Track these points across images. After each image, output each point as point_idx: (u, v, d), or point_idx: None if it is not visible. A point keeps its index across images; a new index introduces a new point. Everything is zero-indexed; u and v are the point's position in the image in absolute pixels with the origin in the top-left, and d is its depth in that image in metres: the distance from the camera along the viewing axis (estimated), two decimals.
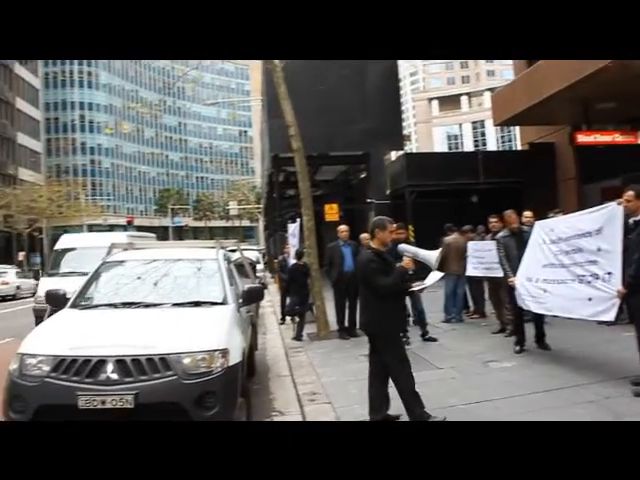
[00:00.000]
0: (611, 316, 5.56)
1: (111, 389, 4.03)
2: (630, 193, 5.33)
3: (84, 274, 9.84)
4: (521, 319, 7.26)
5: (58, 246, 14.12)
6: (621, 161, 13.37)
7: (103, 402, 3.97)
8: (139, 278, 5.88)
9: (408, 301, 8.47)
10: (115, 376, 4.08)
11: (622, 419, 4.54)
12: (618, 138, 14.32)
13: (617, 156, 14.18)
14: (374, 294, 4.67)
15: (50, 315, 10.01)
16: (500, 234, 7.64)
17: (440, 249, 4.93)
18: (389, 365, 4.71)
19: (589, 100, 14.20)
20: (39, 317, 11.01)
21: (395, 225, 8.83)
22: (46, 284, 12.04)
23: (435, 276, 4.93)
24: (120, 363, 4.11)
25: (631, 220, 5.38)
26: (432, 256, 4.76)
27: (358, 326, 5.21)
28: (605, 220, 5.63)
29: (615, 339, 7.21)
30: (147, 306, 5.30)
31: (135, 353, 4.18)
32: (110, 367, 4.10)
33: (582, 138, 14.35)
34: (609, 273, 5.50)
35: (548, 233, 6.63)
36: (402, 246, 4.99)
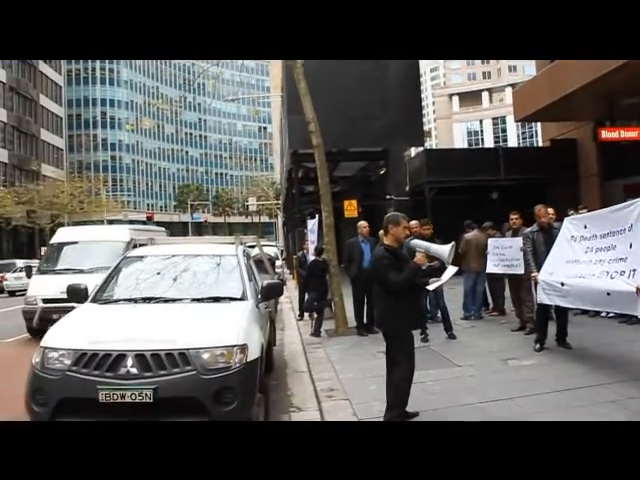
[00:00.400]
0: (637, 311, 5.46)
1: (130, 383, 4.06)
2: None
3: (80, 271, 9.84)
4: (546, 317, 7.17)
5: (54, 240, 12.87)
6: None
7: (123, 396, 4.01)
8: (159, 273, 5.92)
9: (428, 298, 8.52)
10: (135, 370, 4.11)
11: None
12: None
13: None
14: (386, 291, 4.63)
15: (40, 317, 10.15)
16: (529, 229, 7.57)
17: (452, 243, 4.83)
18: (395, 361, 4.69)
19: (612, 95, 14.00)
20: (29, 319, 10.77)
21: (418, 221, 8.91)
22: (36, 283, 11.55)
23: (450, 271, 4.88)
24: (140, 358, 4.15)
25: None
26: (444, 250, 4.68)
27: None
28: (635, 217, 5.54)
29: (638, 339, 7.12)
30: (166, 301, 5.33)
31: (154, 348, 4.21)
32: (130, 361, 4.13)
33: (606, 134, 14.16)
34: (634, 270, 5.42)
35: (580, 230, 6.55)
36: (414, 242, 4.93)
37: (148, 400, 4.01)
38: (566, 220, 6.97)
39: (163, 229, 17.58)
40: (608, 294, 5.70)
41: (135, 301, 5.37)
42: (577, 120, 17.69)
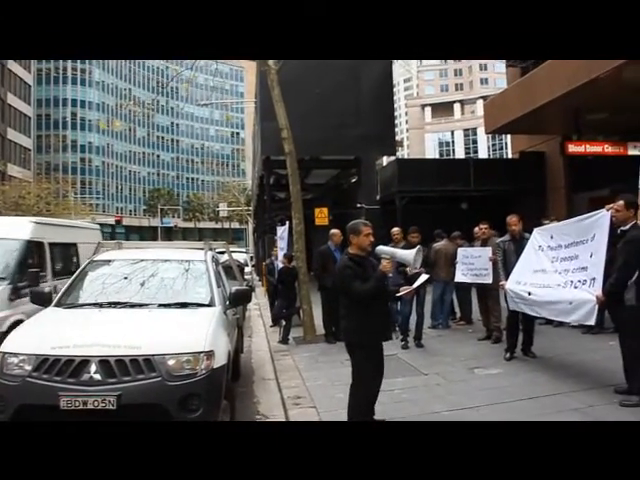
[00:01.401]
0: (592, 320, 5.58)
1: (93, 390, 4.00)
2: (620, 203, 5.37)
3: None
4: (517, 326, 7.25)
5: None
6: (609, 172, 13.45)
7: (85, 403, 3.94)
8: (126, 278, 5.84)
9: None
10: (98, 377, 4.05)
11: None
12: (608, 149, 14.39)
13: (606, 167, 14.28)
14: (352, 301, 4.46)
15: None
16: (501, 239, 7.67)
17: (418, 247, 4.81)
18: (357, 375, 4.55)
19: (580, 111, 14.30)
20: None
21: (399, 230, 8.91)
22: None
23: (422, 278, 4.89)
24: (104, 363, 4.09)
25: (619, 230, 5.43)
26: (409, 255, 4.59)
27: None
28: (597, 226, 5.67)
29: (600, 348, 7.25)
30: (133, 306, 5.26)
31: (119, 354, 4.15)
32: (93, 367, 4.07)
33: (573, 148, 14.42)
34: (593, 279, 5.55)
35: (547, 240, 6.67)
36: (379, 248, 4.74)
37: (111, 407, 3.95)
38: (535, 230, 7.09)
39: (97, 226, 14.03)
40: (570, 303, 5.82)
41: (100, 306, 5.30)
42: (546, 133, 18.02)
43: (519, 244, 7.22)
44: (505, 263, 7.30)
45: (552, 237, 6.60)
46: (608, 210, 5.50)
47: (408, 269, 6.65)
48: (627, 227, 5.36)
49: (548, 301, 6.24)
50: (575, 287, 5.81)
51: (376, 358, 4.58)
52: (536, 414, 4.97)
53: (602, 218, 5.60)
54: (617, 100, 11.47)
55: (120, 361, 4.11)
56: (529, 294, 6.49)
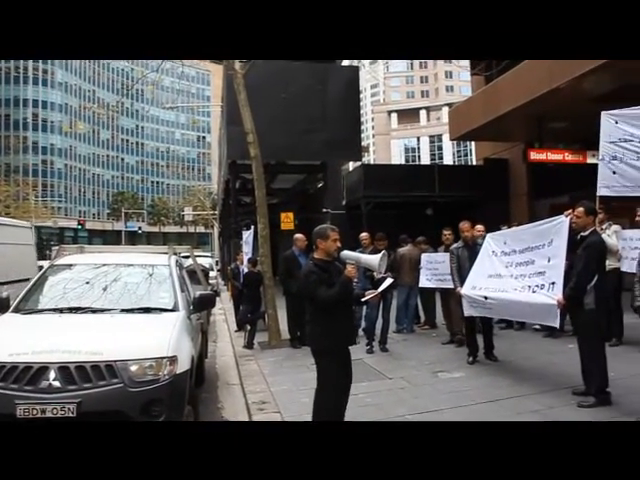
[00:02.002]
0: (556, 323, 5.71)
1: (52, 397, 3.90)
2: (580, 209, 5.49)
3: None
4: (474, 331, 7.38)
5: None
6: (570, 179, 13.79)
7: (43, 411, 3.85)
8: (87, 283, 5.74)
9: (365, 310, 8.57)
10: (57, 384, 3.95)
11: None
12: (568, 157, 14.75)
13: (566, 174, 14.64)
14: (317, 307, 4.41)
15: None
16: (454, 245, 7.78)
17: (383, 252, 4.83)
18: (321, 382, 4.49)
19: (542, 119, 14.64)
20: None
21: (367, 235, 8.97)
22: None
23: (386, 282, 4.92)
24: (63, 370, 4.00)
25: (579, 235, 5.56)
26: (374, 260, 4.59)
27: None
28: (555, 232, 5.80)
29: (559, 351, 7.42)
30: (94, 312, 5.18)
31: (80, 360, 4.07)
32: (52, 374, 3.97)
33: (534, 155, 14.73)
34: (553, 283, 5.66)
35: (500, 245, 6.78)
36: (344, 253, 4.68)
37: (71, 415, 3.87)
38: (488, 236, 7.20)
39: (28, 224, 13.12)
40: (530, 307, 5.94)
41: (61, 311, 5.19)
42: (509, 141, 18.37)
43: (472, 250, 7.34)
44: (459, 269, 7.42)
45: (506, 242, 6.71)
46: (567, 216, 5.63)
47: (375, 274, 6.70)
48: (587, 233, 5.49)
49: (506, 304, 6.34)
50: (533, 292, 5.91)
51: (342, 363, 4.54)
52: (497, 416, 5.05)
53: (561, 224, 5.72)
54: (577, 109, 11.75)
55: (81, 367, 4.03)
56: (485, 298, 6.58)
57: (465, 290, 7.00)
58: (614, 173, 6.37)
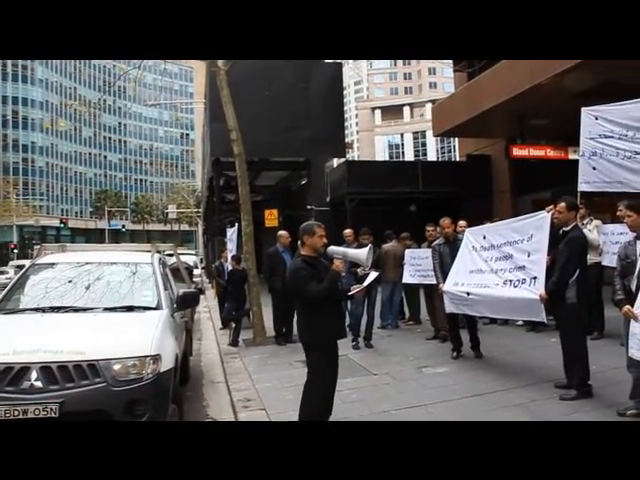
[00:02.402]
0: (541, 317, 5.76)
1: (34, 398, 3.86)
2: (562, 205, 5.54)
3: None
4: (457, 327, 7.43)
5: None
6: (552, 175, 13.90)
7: (25, 412, 3.81)
8: (70, 281, 5.69)
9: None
10: (39, 384, 3.92)
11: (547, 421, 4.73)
12: (550, 153, 14.87)
13: (548, 170, 14.76)
14: (307, 303, 4.48)
15: None
16: (436, 242, 7.82)
17: (369, 246, 4.88)
18: (311, 375, 4.55)
19: (524, 116, 14.73)
20: None
21: (351, 231, 9.02)
22: None
23: (371, 277, 4.95)
24: (45, 370, 3.96)
25: (561, 230, 5.62)
26: (362, 254, 4.66)
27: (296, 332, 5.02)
28: (536, 227, 5.85)
29: (542, 345, 7.49)
30: (77, 310, 5.13)
31: (62, 359, 4.03)
32: (34, 374, 3.93)
33: (516, 151, 14.83)
34: (534, 278, 5.71)
35: (479, 240, 6.82)
36: (331, 248, 4.77)
37: (53, 415, 3.83)
38: (467, 231, 7.25)
39: None
40: (511, 301, 5.98)
41: (43, 310, 5.14)
42: (491, 137, 18.46)
43: (453, 246, 7.40)
44: (442, 265, 7.47)
45: (485, 237, 6.76)
46: (549, 212, 5.69)
47: (359, 269, 6.73)
48: (568, 228, 5.54)
49: (488, 300, 6.38)
50: (515, 286, 5.96)
51: (332, 357, 4.60)
52: (480, 410, 5.11)
53: (542, 219, 5.77)
54: (558, 106, 11.83)
55: (63, 367, 3.99)
56: (468, 294, 6.62)
57: (447, 287, 7.04)
58: (594, 169, 6.45)
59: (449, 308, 7.07)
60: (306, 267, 4.49)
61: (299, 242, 4.79)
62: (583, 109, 6.60)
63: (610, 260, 7.16)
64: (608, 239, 7.64)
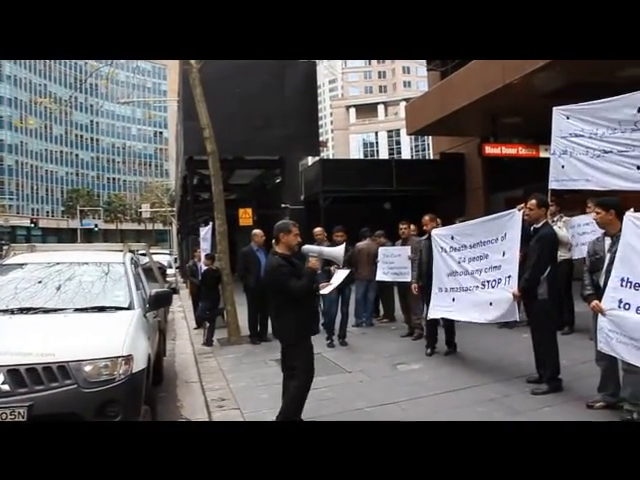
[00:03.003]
0: (515, 317, 5.83)
1: (1, 402, 3.77)
2: (533, 202, 5.63)
3: None
4: (435, 325, 7.47)
5: None
6: (524, 173, 14.08)
7: None
8: (40, 282, 5.57)
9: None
10: (6, 387, 3.82)
11: (519, 415, 4.81)
12: (522, 151, 15.08)
13: (521, 168, 14.95)
14: (289, 299, 4.53)
15: None
16: (418, 239, 7.91)
17: (343, 245, 4.96)
18: (299, 370, 4.61)
19: (496, 114, 14.89)
20: None
21: (321, 230, 9.03)
22: None
23: (342, 275, 4.99)
24: (13, 373, 3.86)
25: (532, 228, 5.70)
26: (337, 252, 4.79)
27: (271, 331, 5.05)
28: (508, 225, 5.91)
29: (514, 341, 7.58)
30: (47, 312, 5.03)
31: (30, 362, 3.94)
32: (1, 378, 3.84)
33: (489, 150, 15.00)
34: (509, 276, 5.78)
35: (448, 241, 6.84)
36: (306, 247, 4.93)
37: (21, 419, 3.75)
38: (432, 233, 7.27)
39: None
40: (490, 304, 6.03)
41: (12, 312, 5.02)
42: (464, 136, 18.62)
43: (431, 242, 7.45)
44: (420, 264, 7.55)
45: (453, 238, 6.78)
46: (520, 210, 5.76)
47: (332, 268, 6.74)
48: (539, 225, 5.63)
49: (470, 304, 6.40)
50: (492, 287, 6.03)
51: (310, 353, 4.71)
52: (455, 406, 5.17)
53: (514, 217, 5.84)
54: (530, 105, 11.98)
55: (32, 369, 3.90)
56: (453, 300, 6.65)
57: (434, 292, 7.02)
58: (563, 167, 6.54)
59: (432, 314, 7.06)
60: (286, 264, 4.58)
61: (274, 240, 4.80)
62: (555, 108, 6.69)
63: (580, 252, 7.31)
64: (575, 231, 7.83)
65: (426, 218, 7.63)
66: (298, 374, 4.61)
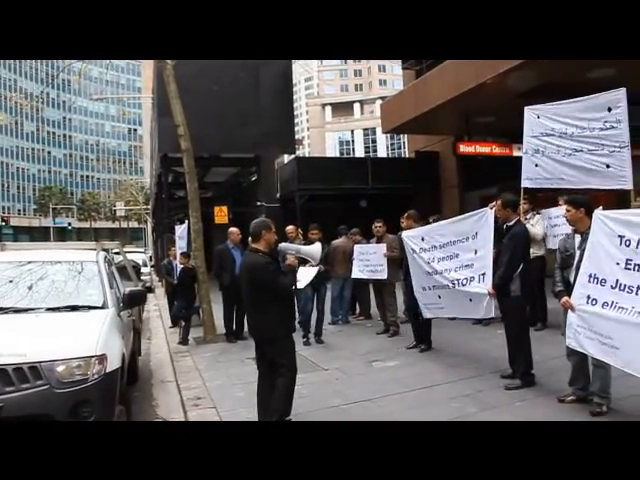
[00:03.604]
0: (492, 313, 5.92)
1: None
2: (498, 202, 5.74)
3: None
4: (417, 321, 7.49)
5: None
6: (498, 172, 14.24)
7: None
8: (11, 281, 5.49)
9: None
10: None
11: (492, 410, 4.89)
12: (495, 150, 15.25)
13: (495, 167, 15.12)
14: (274, 297, 4.54)
15: None
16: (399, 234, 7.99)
17: (319, 243, 5.01)
18: (286, 367, 4.61)
19: (470, 113, 15.02)
20: None
21: (293, 227, 9.06)
22: None
23: (309, 272, 5.02)
24: None
25: (505, 225, 5.78)
26: (314, 251, 4.85)
27: (247, 330, 5.02)
28: (480, 224, 5.98)
29: (489, 337, 7.68)
30: (18, 311, 4.96)
31: (1, 363, 3.89)
32: None
33: (463, 148, 15.14)
34: (483, 274, 5.86)
35: (418, 242, 6.89)
36: (283, 244, 4.98)
37: None
38: (402, 236, 7.31)
39: None
40: (470, 300, 6.11)
41: None
42: (439, 134, 18.74)
43: None
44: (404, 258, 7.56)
45: (423, 239, 6.82)
46: (492, 208, 5.84)
47: (307, 266, 6.76)
48: (512, 223, 5.72)
49: (453, 300, 6.48)
50: (463, 285, 6.11)
51: (292, 350, 4.74)
52: (430, 402, 5.24)
53: (485, 216, 5.92)
54: (503, 104, 12.09)
55: (2, 370, 3.85)
56: (439, 297, 6.69)
57: (417, 293, 7.04)
58: (536, 166, 6.65)
59: (426, 315, 7.08)
60: (273, 262, 4.62)
61: (252, 237, 4.80)
62: (526, 108, 6.79)
63: (553, 243, 7.44)
64: (548, 223, 7.96)
65: (406, 214, 7.66)
66: (285, 372, 4.61)
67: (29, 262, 5.87)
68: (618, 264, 4.08)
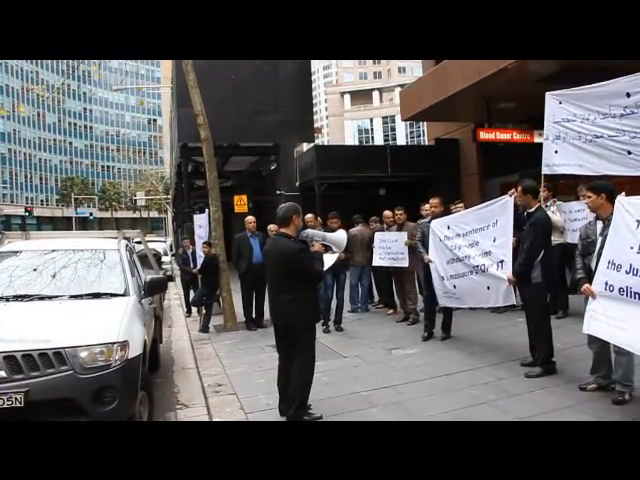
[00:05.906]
0: (512, 300, 5.90)
1: None
2: (519, 189, 5.68)
3: None
4: (434, 309, 7.50)
5: None
6: (519, 158, 14.07)
7: None
8: (35, 270, 5.57)
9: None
10: (3, 374, 3.85)
11: (512, 397, 4.87)
12: (516, 136, 15.05)
13: (516, 153, 14.94)
14: (304, 283, 4.50)
15: None
16: (423, 220, 8.10)
17: (343, 231, 5.02)
18: (307, 355, 4.60)
19: (491, 99, 14.84)
20: None
21: (312, 216, 9.08)
22: None
23: (333, 257, 5.01)
24: (9, 359, 3.89)
25: (525, 212, 5.73)
26: (340, 238, 4.86)
27: (270, 317, 4.95)
28: (499, 212, 5.95)
29: (508, 325, 7.66)
30: (42, 299, 5.04)
31: (26, 348, 3.96)
32: None
33: (484, 135, 14.96)
34: (501, 261, 5.84)
35: (444, 231, 6.90)
36: (309, 231, 4.94)
37: (19, 404, 3.78)
38: (432, 224, 7.28)
39: None
40: (488, 288, 6.10)
41: (7, 299, 5.03)
42: (459, 121, 18.55)
43: None
44: (424, 243, 7.50)
45: (449, 227, 6.84)
46: (511, 195, 5.79)
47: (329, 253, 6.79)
48: (533, 210, 5.66)
49: (469, 289, 6.50)
50: (483, 271, 6.10)
51: (314, 337, 4.73)
52: (450, 389, 5.23)
53: (505, 204, 5.88)
54: (524, 90, 11.95)
55: (28, 356, 3.93)
56: (454, 287, 6.72)
57: (436, 282, 7.08)
58: (556, 152, 6.56)
59: (442, 302, 7.14)
60: (305, 247, 4.58)
61: (280, 222, 4.68)
62: (547, 93, 6.69)
63: (572, 237, 7.35)
64: (567, 217, 7.87)
65: (435, 201, 7.55)
66: (304, 359, 4.58)
67: (52, 250, 5.96)
68: (632, 248, 4.02)
